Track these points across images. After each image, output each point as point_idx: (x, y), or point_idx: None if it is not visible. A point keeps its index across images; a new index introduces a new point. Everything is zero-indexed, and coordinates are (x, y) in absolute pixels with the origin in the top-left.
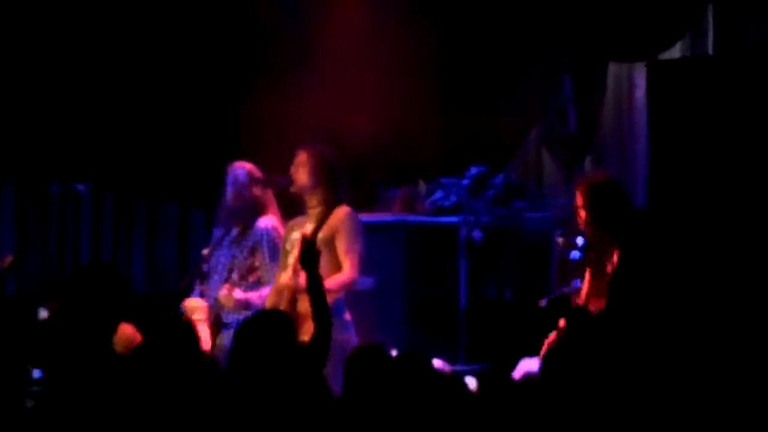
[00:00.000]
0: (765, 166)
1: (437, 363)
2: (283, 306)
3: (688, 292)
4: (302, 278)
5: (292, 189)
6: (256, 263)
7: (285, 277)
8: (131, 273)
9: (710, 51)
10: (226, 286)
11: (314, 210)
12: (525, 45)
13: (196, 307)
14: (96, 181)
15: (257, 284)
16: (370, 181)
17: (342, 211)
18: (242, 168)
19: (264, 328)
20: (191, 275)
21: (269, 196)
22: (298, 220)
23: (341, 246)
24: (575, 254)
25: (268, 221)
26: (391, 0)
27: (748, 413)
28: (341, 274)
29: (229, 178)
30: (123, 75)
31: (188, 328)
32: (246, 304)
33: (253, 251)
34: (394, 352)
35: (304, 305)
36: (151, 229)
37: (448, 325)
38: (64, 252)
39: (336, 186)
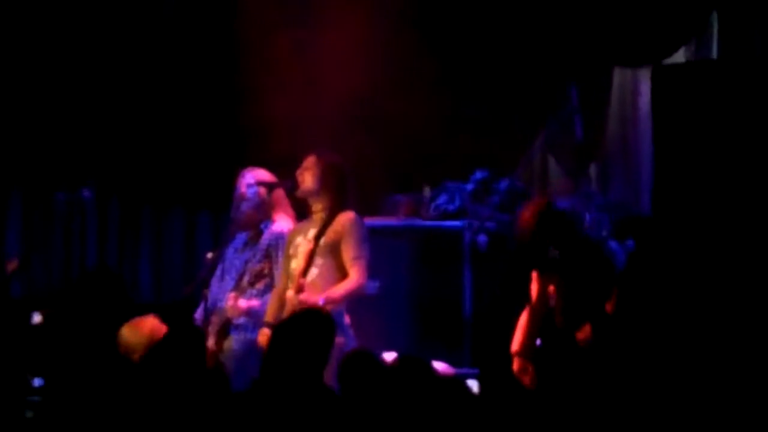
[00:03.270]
0: None
1: (440, 366)
2: (284, 315)
3: (694, 298)
4: (304, 295)
5: (298, 193)
6: (266, 270)
7: (290, 293)
8: (137, 280)
9: (714, 56)
10: (232, 295)
11: (318, 215)
12: (530, 51)
13: None
14: (102, 188)
15: (265, 291)
16: (375, 185)
17: (347, 217)
18: (250, 174)
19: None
20: (196, 282)
21: (281, 199)
22: (302, 224)
23: (347, 252)
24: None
25: (282, 225)
26: (394, 6)
27: (748, 419)
28: (349, 281)
29: (238, 186)
30: (128, 82)
31: (194, 335)
32: (249, 311)
33: (266, 255)
34: (393, 355)
35: None
36: (157, 236)
37: (452, 329)
38: (70, 259)
39: (342, 192)
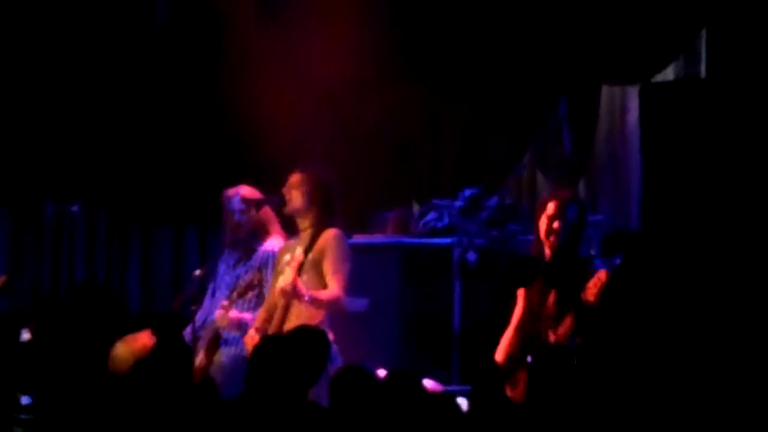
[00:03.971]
0: (759, 189)
1: (429, 383)
2: (272, 326)
3: (682, 312)
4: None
5: (285, 211)
6: (255, 281)
7: (281, 281)
8: (126, 294)
9: (703, 73)
10: (223, 304)
11: (305, 232)
12: (519, 67)
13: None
14: (90, 202)
15: (255, 301)
16: (364, 202)
17: (330, 233)
18: (236, 194)
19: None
20: (184, 296)
21: (270, 216)
22: (291, 242)
23: (327, 267)
24: None
25: (274, 243)
26: (382, 20)
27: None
28: (327, 291)
29: (225, 206)
30: (116, 97)
31: (182, 349)
32: (239, 324)
33: (258, 271)
34: (383, 372)
35: (291, 326)
36: (145, 250)
37: (441, 347)
38: (59, 273)
39: (328, 208)
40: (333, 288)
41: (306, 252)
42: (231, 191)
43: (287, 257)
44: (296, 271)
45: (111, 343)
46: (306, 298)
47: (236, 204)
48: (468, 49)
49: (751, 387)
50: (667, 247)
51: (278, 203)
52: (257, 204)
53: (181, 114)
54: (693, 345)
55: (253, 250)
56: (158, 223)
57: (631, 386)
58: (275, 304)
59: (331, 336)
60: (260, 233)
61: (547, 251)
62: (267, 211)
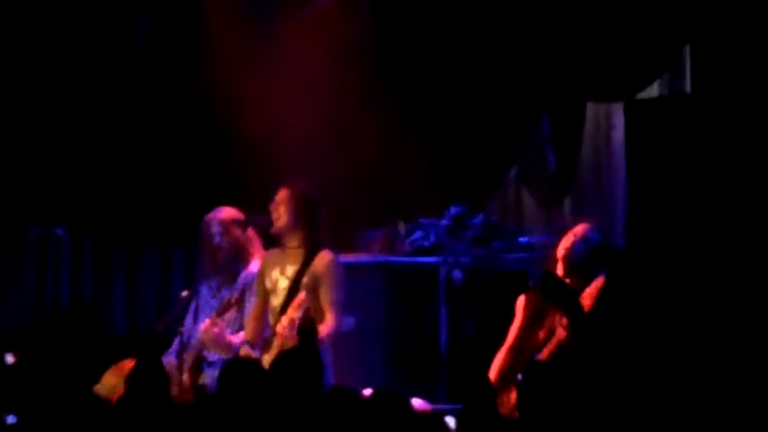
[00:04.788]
0: (743, 205)
1: (418, 402)
2: (269, 355)
3: (666, 328)
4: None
5: (272, 230)
6: (234, 300)
7: (280, 327)
8: (111, 316)
9: (688, 89)
10: (207, 320)
11: (293, 250)
12: (503, 84)
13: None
14: (75, 224)
15: (234, 321)
16: (350, 221)
17: (326, 258)
18: (213, 218)
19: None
20: (169, 317)
21: (252, 238)
22: (275, 255)
23: (325, 295)
24: None
25: (256, 266)
26: (364, 40)
27: None
28: (326, 325)
29: (203, 232)
30: (100, 119)
31: (158, 372)
32: (222, 340)
33: (241, 293)
34: (369, 392)
35: None
36: (130, 272)
37: (428, 365)
38: (44, 296)
39: (316, 226)
40: (330, 321)
41: (300, 274)
42: (209, 215)
43: (276, 274)
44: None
45: (96, 364)
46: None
47: (215, 227)
48: (452, 68)
49: (738, 398)
50: (652, 264)
51: (263, 223)
52: (240, 224)
53: (166, 135)
54: (676, 361)
55: (237, 273)
56: (144, 245)
57: (621, 400)
58: (259, 316)
59: (329, 357)
60: (242, 256)
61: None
62: (249, 233)
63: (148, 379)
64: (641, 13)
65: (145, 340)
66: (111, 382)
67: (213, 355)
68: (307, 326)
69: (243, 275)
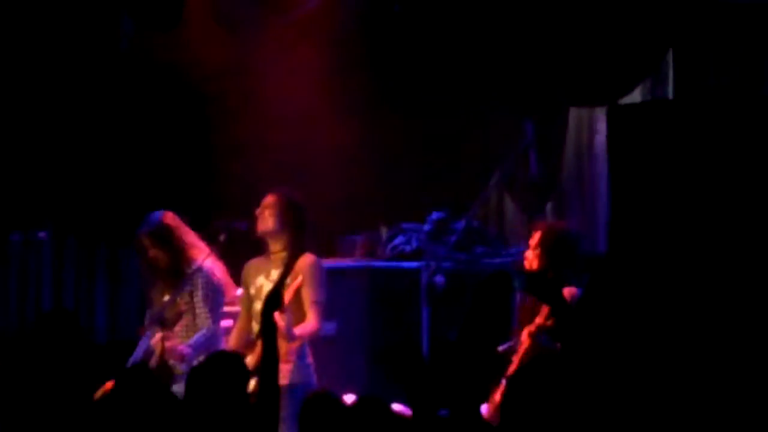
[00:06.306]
0: (726, 210)
1: (398, 407)
2: (253, 356)
3: (648, 335)
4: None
5: (257, 233)
6: (183, 307)
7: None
8: (93, 320)
9: (670, 94)
10: (158, 334)
11: (277, 255)
12: (486, 90)
13: None
14: (57, 228)
15: (186, 331)
16: (332, 226)
17: (308, 260)
18: (142, 232)
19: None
20: (148, 322)
21: (189, 240)
22: (258, 262)
23: (307, 296)
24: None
25: (203, 263)
26: (349, 45)
27: None
28: (307, 323)
29: (136, 247)
30: (82, 123)
31: (149, 376)
32: (174, 353)
33: (189, 295)
34: (352, 398)
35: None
36: (113, 276)
37: (410, 370)
38: (25, 300)
39: (300, 232)
40: (311, 320)
41: (283, 278)
42: (138, 230)
43: (260, 280)
44: (283, 315)
45: (78, 371)
46: (293, 339)
47: (145, 240)
48: (434, 74)
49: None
50: (635, 270)
51: (244, 229)
52: (170, 230)
53: (148, 140)
54: (661, 370)
55: (181, 276)
56: (126, 250)
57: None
58: (245, 326)
59: (310, 359)
60: (182, 260)
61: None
62: (187, 236)
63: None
64: (624, 18)
65: (126, 347)
66: None
67: (183, 366)
68: (272, 300)
69: (189, 276)
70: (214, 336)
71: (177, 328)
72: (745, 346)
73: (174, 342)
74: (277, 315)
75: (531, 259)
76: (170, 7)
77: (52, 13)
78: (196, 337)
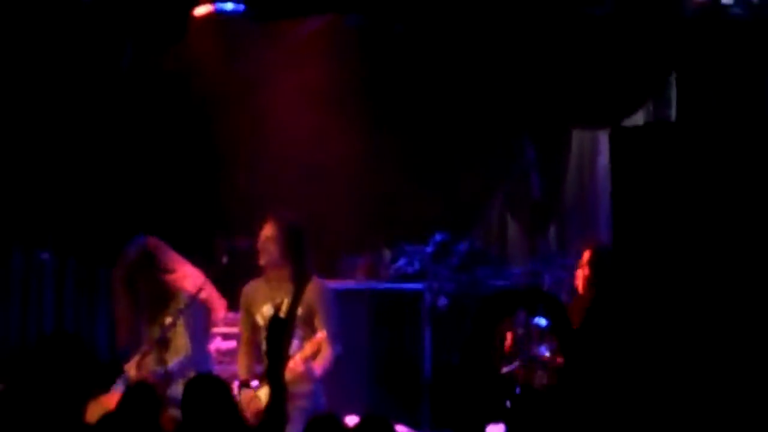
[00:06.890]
0: (728, 233)
1: (401, 429)
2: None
3: (653, 356)
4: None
5: (261, 264)
6: (169, 334)
7: (293, 363)
8: (94, 340)
9: (673, 117)
10: (135, 360)
11: (283, 283)
12: (489, 111)
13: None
14: (58, 249)
15: (170, 356)
16: (335, 248)
17: (317, 287)
18: (120, 266)
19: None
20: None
21: (171, 265)
22: (260, 287)
23: (321, 326)
24: (540, 321)
25: (192, 287)
26: (351, 65)
27: None
28: (323, 358)
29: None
30: (84, 142)
31: (151, 396)
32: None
33: (180, 314)
34: (355, 419)
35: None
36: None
37: (412, 391)
38: (27, 321)
39: (303, 258)
40: (326, 352)
41: (294, 307)
42: (117, 264)
43: (267, 308)
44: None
45: (81, 391)
46: (316, 380)
47: (123, 273)
48: (437, 96)
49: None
50: (638, 290)
51: (245, 247)
52: (150, 260)
53: (149, 159)
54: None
55: (170, 297)
56: None
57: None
58: (250, 352)
59: (319, 382)
60: (163, 291)
61: None
62: (168, 260)
63: (139, 406)
64: (627, 41)
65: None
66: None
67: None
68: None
69: (178, 299)
70: (191, 362)
71: (165, 355)
72: (747, 368)
73: (144, 371)
74: (298, 361)
75: (580, 278)
76: (173, 24)
77: (55, 36)
78: (173, 363)
